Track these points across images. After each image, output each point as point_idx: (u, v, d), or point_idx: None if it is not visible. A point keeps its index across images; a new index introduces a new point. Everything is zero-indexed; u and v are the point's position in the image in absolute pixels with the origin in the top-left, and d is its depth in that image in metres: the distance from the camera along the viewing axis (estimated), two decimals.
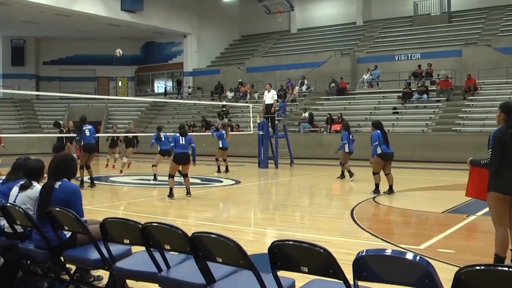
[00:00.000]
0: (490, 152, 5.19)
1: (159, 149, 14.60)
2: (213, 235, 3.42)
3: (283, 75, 32.60)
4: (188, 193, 11.36)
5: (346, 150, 14.70)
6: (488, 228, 5.38)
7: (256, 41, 39.98)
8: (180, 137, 11.18)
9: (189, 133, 11.57)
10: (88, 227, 4.38)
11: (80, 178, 13.10)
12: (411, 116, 25.11)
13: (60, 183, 4.78)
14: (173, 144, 11.19)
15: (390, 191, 11.70)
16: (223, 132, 17.44)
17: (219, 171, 17.49)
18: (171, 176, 11.27)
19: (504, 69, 25.45)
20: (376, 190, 11.72)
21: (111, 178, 16.30)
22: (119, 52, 17.66)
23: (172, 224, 3.75)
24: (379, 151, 11.38)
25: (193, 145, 11.25)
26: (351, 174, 14.79)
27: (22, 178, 5.16)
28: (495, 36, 28.17)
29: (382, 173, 11.71)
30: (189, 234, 3.60)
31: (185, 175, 11.49)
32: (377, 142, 11.32)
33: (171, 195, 11.18)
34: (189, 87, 37.99)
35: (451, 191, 12.21)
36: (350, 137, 14.84)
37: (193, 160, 11.24)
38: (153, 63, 40.51)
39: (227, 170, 17.45)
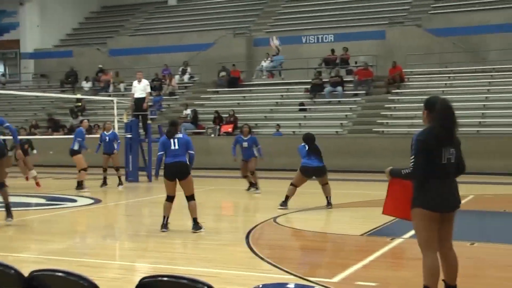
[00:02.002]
0: (413, 160, 5.45)
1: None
2: (60, 273, 3.31)
3: (158, 60, 32.37)
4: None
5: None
6: (417, 254, 5.66)
7: (122, 14, 39.40)
8: (171, 140, 10.03)
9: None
10: None
11: None
12: (322, 114, 25.95)
13: None
14: (161, 152, 10.03)
15: (329, 204, 12.96)
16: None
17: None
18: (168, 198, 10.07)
19: (436, 56, 27.05)
20: (284, 203, 12.72)
21: None
22: (275, 44, 16.95)
23: (1, 262, 3.57)
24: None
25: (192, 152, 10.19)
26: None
27: None
28: (426, 14, 29.91)
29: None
30: (26, 274, 3.45)
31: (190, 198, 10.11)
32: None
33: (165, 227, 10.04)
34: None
35: (373, 208, 12.67)
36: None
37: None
38: None
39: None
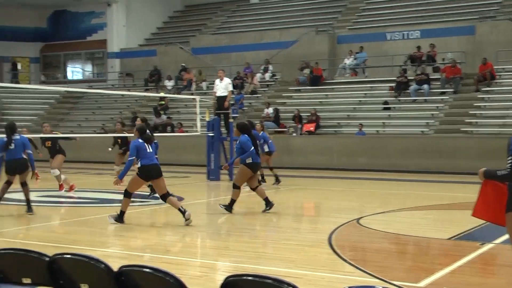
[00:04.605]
0: (510, 161, 5.28)
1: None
2: (147, 270, 3.39)
3: (240, 59, 32.65)
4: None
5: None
6: (508, 261, 5.50)
7: (204, 13, 39.91)
8: (146, 144, 10.80)
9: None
10: None
11: None
12: (407, 113, 25.55)
13: None
14: (133, 157, 10.67)
15: (270, 204, 12.31)
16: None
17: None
18: (128, 194, 11.00)
19: None
20: (229, 207, 12.31)
21: None
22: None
23: (92, 256, 3.69)
24: (249, 160, 12.14)
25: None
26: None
27: None
28: None
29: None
30: (115, 269, 3.55)
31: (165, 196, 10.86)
32: (252, 149, 12.09)
33: (120, 219, 10.90)
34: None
35: (460, 211, 12.44)
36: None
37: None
38: (66, 40, 39.95)
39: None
